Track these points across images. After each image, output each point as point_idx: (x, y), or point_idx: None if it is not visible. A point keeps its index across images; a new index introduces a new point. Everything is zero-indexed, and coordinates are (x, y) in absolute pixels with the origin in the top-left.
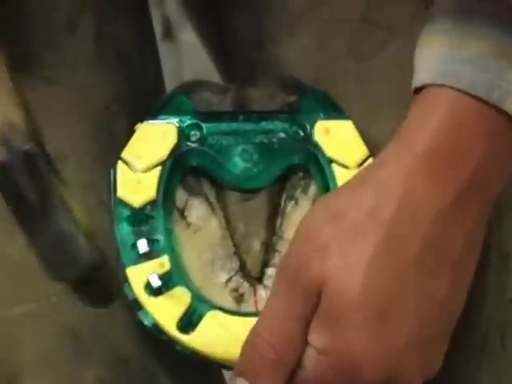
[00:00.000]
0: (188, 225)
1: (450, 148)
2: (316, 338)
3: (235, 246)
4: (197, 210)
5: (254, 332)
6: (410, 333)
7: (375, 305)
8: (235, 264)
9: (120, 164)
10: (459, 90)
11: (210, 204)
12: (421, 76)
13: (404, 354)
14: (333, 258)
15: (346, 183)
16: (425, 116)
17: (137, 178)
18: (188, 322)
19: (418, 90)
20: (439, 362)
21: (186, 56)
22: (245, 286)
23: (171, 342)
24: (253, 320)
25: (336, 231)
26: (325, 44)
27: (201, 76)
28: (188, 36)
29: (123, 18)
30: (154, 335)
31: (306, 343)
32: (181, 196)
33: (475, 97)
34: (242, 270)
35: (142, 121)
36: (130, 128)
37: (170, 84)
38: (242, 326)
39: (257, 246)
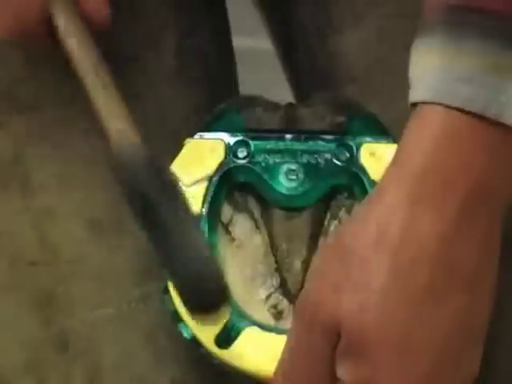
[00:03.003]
0: (232, 240)
1: (447, 167)
2: (345, 373)
3: (277, 263)
4: (241, 225)
5: (279, 375)
6: (434, 355)
7: (393, 337)
8: (276, 281)
9: None
10: (455, 108)
11: (255, 220)
12: (415, 93)
13: (433, 375)
14: (345, 297)
15: (352, 217)
16: (419, 136)
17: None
18: (226, 337)
19: (415, 105)
20: (475, 368)
21: None
22: (284, 303)
23: (209, 355)
24: None
25: (345, 269)
26: (385, 38)
27: None
28: None
29: (204, 30)
30: (193, 348)
31: (332, 381)
32: (226, 211)
33: (471, 113)
34: (283, 287)
35: (192, 135)
36: None
37: None
38: (279, 343)
39: (298, 264)
